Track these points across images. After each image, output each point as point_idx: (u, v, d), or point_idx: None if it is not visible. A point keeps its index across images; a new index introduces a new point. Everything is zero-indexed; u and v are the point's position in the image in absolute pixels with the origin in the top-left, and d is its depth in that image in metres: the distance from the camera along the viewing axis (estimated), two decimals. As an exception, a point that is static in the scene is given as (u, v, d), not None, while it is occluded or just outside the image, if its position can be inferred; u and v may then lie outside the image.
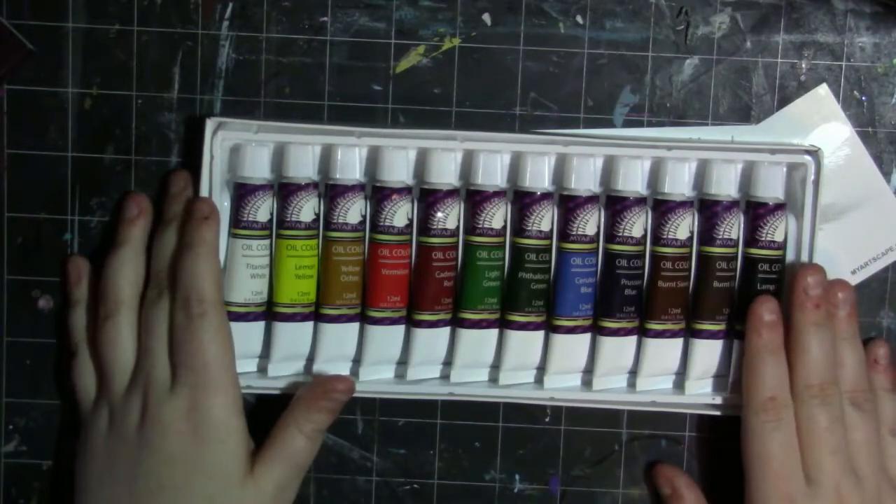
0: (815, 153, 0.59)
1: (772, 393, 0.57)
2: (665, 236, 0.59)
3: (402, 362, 0.61)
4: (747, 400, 0.58)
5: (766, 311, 0.58)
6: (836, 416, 0.57)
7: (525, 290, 0.59)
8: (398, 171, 0.59)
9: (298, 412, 0.58)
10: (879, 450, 0.59)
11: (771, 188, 0.59)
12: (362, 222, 0.59)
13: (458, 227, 0.60)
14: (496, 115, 0.61)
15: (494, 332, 0.60)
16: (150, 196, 0.61)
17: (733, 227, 0.59)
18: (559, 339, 0.60)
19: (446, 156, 0.59)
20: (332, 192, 0.59)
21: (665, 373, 0.61)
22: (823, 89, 0.61)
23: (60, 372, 0.62)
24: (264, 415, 0.60)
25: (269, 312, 0.60)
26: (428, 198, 0.59)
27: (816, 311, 0.57)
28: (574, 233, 0.59)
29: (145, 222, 0.60)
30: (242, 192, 0.59)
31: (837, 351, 0.58)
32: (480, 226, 0.59)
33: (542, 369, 0.61)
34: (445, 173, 0.59)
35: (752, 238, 0.59)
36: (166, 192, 0.60)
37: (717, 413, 0.61)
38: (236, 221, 0.59)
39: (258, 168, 0.59)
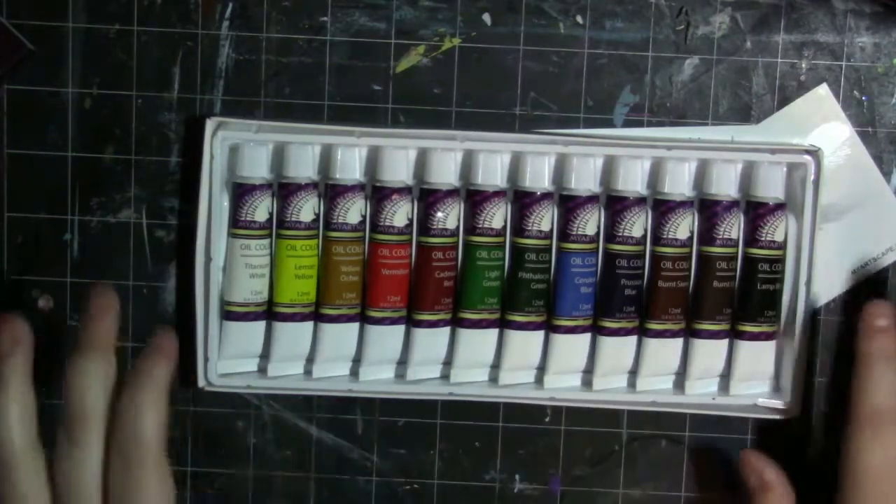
0: (815, 153, 0.59)
1: (884, 404, 0.54)
2: (665, 236, 0.59)
3: (402, 362, 0.61)
4: (852, 412, 0.55)
5: (880, 318, 0.55)
6: None
7: (525, 290, 0.59)
8: (398, 170, 0.59)
9: None
10: None
11: (771, 188, 0.59)
12: (362, 222, 0.60)
13: (458, 227, 0.60)
14: (496, 115, 0.61)
15: (494, 332, 0.60)
16: (148, 195, 0.61)
17: (733, 227, 0.59)
18: (559, 339, 0.60)
19: (446, 156, 0.59)
20: (332, 192, 0.59)
21: (665, 373, 0.61)
22: (823, 89, 0.61)
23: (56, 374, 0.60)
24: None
25: (270, 312, 0.60)
26: (428, 198, 0.59)
27: (885, 340, 0.55)
28: (574, 233, 0.59)
29: (25, 352, 0.51)
30: (240, 192, 0.59)
31: None
32: (480, 226, 0.59)
33: (542, 369, 0.61)
34: (445, 173, 0.59)
35: (752, 238, 0.59)
36: (84, 311, 0.52)
37: (717, 413, 0.61)
38: (235, 221, 0.59)
39: (256, 168, 0.59)
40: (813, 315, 0.61)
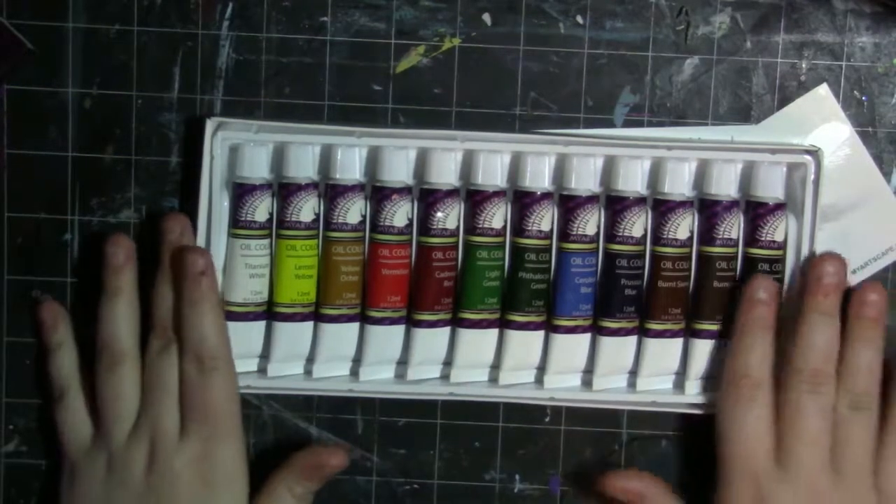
0: (815, 153, 0.59)
1: (748, 370, 0.56)
2: (665, 236, 0.59)
3: (403, 362, 0.61)
4: (724, 375, 0.58)
5: (761, 290, 0.57)
6: (824, 407, 0.56)
7: (525, 290, 0.59)
8: (398, 171, 0.59)
9: (291, 476, 0.59)
10: (872, 455, 0.57)
11: (771, 188, 0.59)
12: (362, 222, 0.60)
13: (458, 227, 0.60)
14: (496, 115, 0.61)
15: (494, 332, 0.60)
16: (148, 195, 0.61)
17: (733, 227, 0.59)
18: (559, 339, 0.60)
19: (446, 156, 0.59)
20: (332, 192, 0.59)
21: (665, 373, 0.61)
22: (823, 89, 0.61)
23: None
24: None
25: (269, 312, 0.60)
26: (428, 198, 0.59)
27: (825, 300, 0.57)
28: (574, 233, 0.59)
29: (133, 267, 0.60)
30: (240, 192, 0.59)
31: (852, 350, 0.57)
32: (480, 226, 0.59)
33: (542, 369, 0.61)
34: (445, 173, 0.59)
35: (752, 238, 0.59)
36: (162, 238, 0.59)
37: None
38: (235, 221, 0.59)
39: (256, 168, 0.59)
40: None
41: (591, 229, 0.59)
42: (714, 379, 0.61)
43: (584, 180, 0.59)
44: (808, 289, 0.57)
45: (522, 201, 0.59)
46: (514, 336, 0.60)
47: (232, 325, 0.59)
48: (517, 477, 0.63)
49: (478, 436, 0.63)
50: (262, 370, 0.61)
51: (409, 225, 0.60)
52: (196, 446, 0.57)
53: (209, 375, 0.57)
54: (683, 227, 0.59)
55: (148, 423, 0.58)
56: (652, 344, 0.60)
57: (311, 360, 0.61)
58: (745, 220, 0.59)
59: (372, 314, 0.60)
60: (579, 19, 0.60)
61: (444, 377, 0.61)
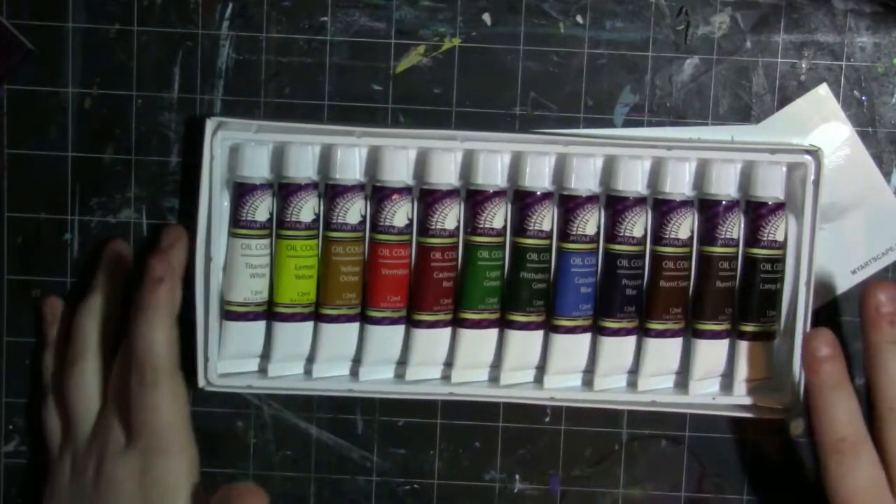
0: (815, 153, 0.59)
1: (842, 433, 0.54)
2: (666, 236, 0.59)
3: (402, 362, 0.61)
4: (818, 442, 0.55)
5: (821, 346, 0.55)
6: None
7: (526, 290, 0.59)
8: (398, 171, 0.59)
9: None
10: None
11: (771, 188, 0.59)
12: (362, 222, 0.60)
13: (457, 228, 0.60)
14: (496, 115, 0.61)
15: (494, 332, 0.60)
16: (148, 195, 0.61)
17: (734, 227, 0.59)
18: (559, 339, 0.60)
19: (446, 156, 0.59)
20: (331, 192, 0.59)
21: (666, 372, 0.61)
22: (823, 89, 0.61)
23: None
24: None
25: (269, 312, 0.60)
26: (428, 198, 0.59)
27: (892, 329, 0.55)
28: (574, 233, 0.59)
29: (120, 270, 0.60)
30: (241, 192, 0.59)
31: None
32: (481, 226, 0.59)
33: (542, 369, 0.61)
34: (445, 173, 0.59)
35: (753, 238, 0.59)
36: (156, 247, 0.59)
37: (717, 413, 0.61)
38: (235, 221, 0.59)
39: (257, 168, 0.59)
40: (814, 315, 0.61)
41: (590, 229, 0.59)
42: (717, 378, 0.61)
43: (584, 180, 0.59)
44: (871, 322, 0.55)
45: (523, 201, 0.59)
46: (514, 336, 0.60)
47: (232, 324, 0.59)
48: (517, 477, 0.63)
49: (478, 436, 0.63)
50: (262, 370, 0.61)
51: (409, 225, 0.60)
52: (137, 458, 0.56)
53: (148, 389, 0.55)
54: (684, 226, 0.59)
55: (102, 427, 0.57)
56: (652, 344, 0.60)
57: (311, 360, 0.61)
58: (746, 220, 0.59)
59: (372, 314, 0.60)
60: (579, 19, 0.60)
61: (445, 377, 0.61)
